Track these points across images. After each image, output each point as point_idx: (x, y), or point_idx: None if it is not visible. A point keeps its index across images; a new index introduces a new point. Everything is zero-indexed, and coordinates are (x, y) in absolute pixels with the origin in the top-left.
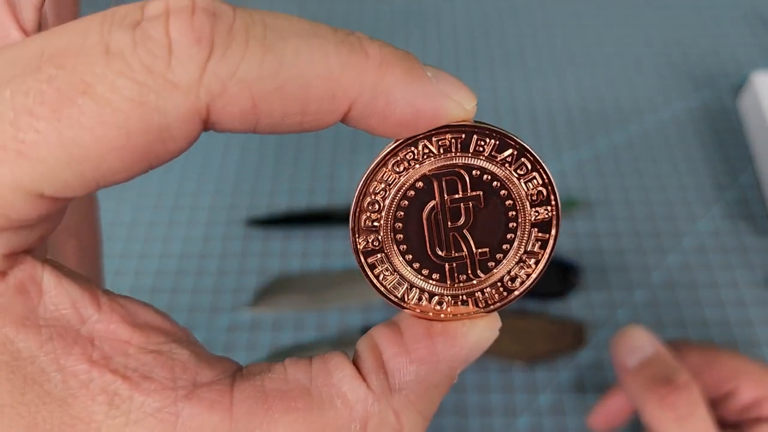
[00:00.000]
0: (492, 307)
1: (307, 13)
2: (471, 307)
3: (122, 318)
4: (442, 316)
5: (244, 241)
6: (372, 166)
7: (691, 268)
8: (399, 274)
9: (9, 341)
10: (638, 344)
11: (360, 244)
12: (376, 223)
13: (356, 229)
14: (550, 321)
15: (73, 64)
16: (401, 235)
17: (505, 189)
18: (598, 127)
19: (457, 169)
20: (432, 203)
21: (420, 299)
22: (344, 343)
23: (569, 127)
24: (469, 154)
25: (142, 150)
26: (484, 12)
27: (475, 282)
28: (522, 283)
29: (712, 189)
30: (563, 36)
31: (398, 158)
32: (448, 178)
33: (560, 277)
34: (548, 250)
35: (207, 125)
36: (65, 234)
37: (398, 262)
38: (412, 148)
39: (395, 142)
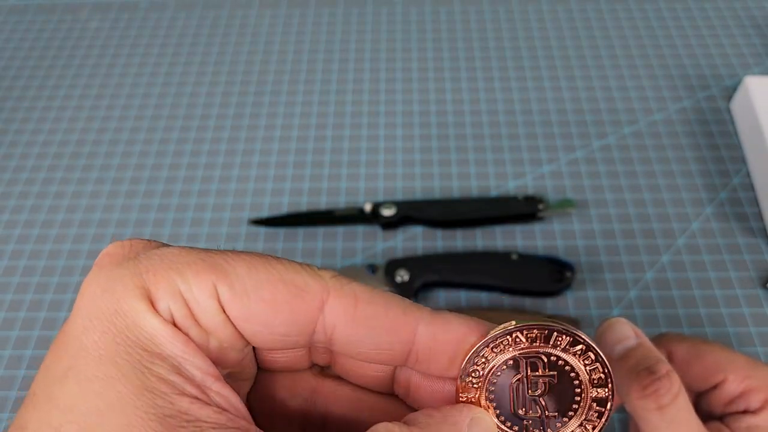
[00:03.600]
0: None
1: (309, 17)
2: None
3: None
4: None
5: (246, 241)
6: (479, 345)
7: (685, 267)
8: None
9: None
10: (622, 335)
11: (462, 398)
12: (476, 386)
13: (460, 387)
14: (546, 318)
15: None
16: (493, 396)
17: (574, 372)
18: (592, 129)
19: (538, 354)
20: (519, 375)
21: None
22: None
23: (564, 129)
24: (549, 345)
25: None
26: (480, 17)
27: None
28: None
29: (705, 190)
30: (558, 39)
31: (497, 342)
32: (532, 359)
33: (555, 276)
34: (603, 419)
35: None
36: None
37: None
38: (508, 336)
39: (496, 332)
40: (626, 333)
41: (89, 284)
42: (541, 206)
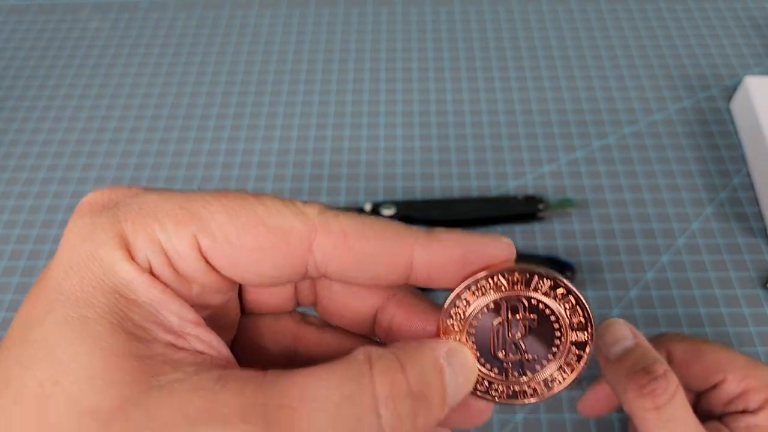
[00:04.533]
0: (534, 398)
1: (309, 17)
2: (520, 396)
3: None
4: (497, 399)
5: None
6: (460, 288)
7: (685, 267)
8: None
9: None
10: (619, 336)
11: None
12: (456, 327)
13: (441, 329)
14: None
15: None
16: (474, 338)
17: (554, 316)
18: (592, 129)
19: (520, 298)
20: (499, 318)
21: (481, 384)
22: None
23: (564, 129)
24: (530, 289)
25: None
26: (480, 17)
27: (524, 379)
28: (560, 384)
29: (705, 190)
30: (558, 39)
31: (478, 285)
32: (513, 303)
33: None
34: (582, 362)
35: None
36: None
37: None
38: (490, 280)
39: (478, 276)
40: (624, 333)
41: (69, 232)
42: (541, 206)
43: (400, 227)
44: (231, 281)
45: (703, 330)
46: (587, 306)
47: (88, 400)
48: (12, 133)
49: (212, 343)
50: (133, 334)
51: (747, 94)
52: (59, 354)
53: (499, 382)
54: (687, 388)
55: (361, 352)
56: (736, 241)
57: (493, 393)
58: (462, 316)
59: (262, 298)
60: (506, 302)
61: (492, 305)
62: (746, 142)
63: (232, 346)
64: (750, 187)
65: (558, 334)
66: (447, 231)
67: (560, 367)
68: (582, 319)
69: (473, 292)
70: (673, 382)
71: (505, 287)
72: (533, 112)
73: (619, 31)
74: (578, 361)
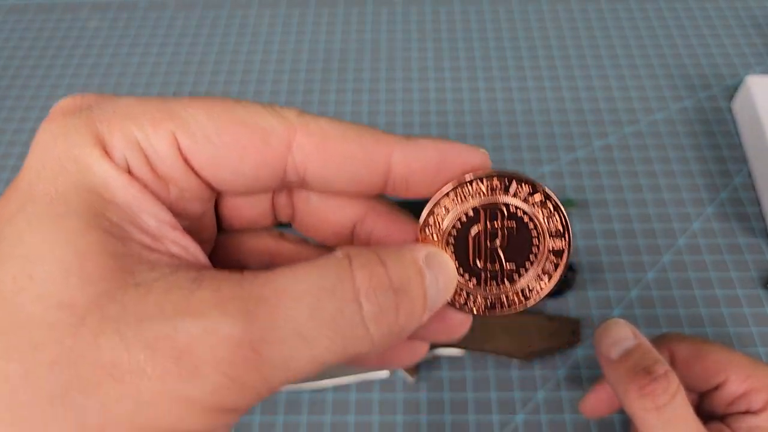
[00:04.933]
0: (512, 309)
1: (310, 17)
2: (498, 307)
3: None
4: (475, 311)
5: None
6: (438, 195)
7: (686, 267)
8: None
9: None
10: (620, 337)
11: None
12: (435, 237)
13: (420, 238)
14: (547, 318)
15: None
16: (452, 248)
17: (533, 223)
18: (592, 129)
19: (498, 204)
20: (477, 227)
21: (458, 295)
22: None
23: (565, 129)
24: (509, 195)
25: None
26: (480, 17)
27: (502, 288)
28: (537, 293)
29: (706, 189)
30: (558, 39)
31: (458, 192)
32: (491, 210)
33: None
34: (560, 269)
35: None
36: None
37: None
38: (468, 186)
39: (456, 182)
40: (624, 334)
41: (41, 134)
42: None
43: (378, 131)
44: (210, 187)
45: (704, 330)
46: (564, 212)
47: (63, 295)
48: (10, 134)
49: (189, 248)
50: (109, 232)
51: (748, 93)
52: (32, 250)
53: (477, 293)
54: (689, 389)
55: (340, 251)
56: (737, 241)
57: (471, 305)
58: (440, 226)
59: (239, 212)
60: (485, 210)
61: (471, 213)
62: (747, 142)
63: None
64: (751, 187)
65: (536, 242)
66: (425, 136)
67: (538, 275)
68: (560, 226)
69: (452, 199)
70: (673, 382)
71: (483, 193)
72: (533, 111)
73: (620, 30)
74: (555, 268)
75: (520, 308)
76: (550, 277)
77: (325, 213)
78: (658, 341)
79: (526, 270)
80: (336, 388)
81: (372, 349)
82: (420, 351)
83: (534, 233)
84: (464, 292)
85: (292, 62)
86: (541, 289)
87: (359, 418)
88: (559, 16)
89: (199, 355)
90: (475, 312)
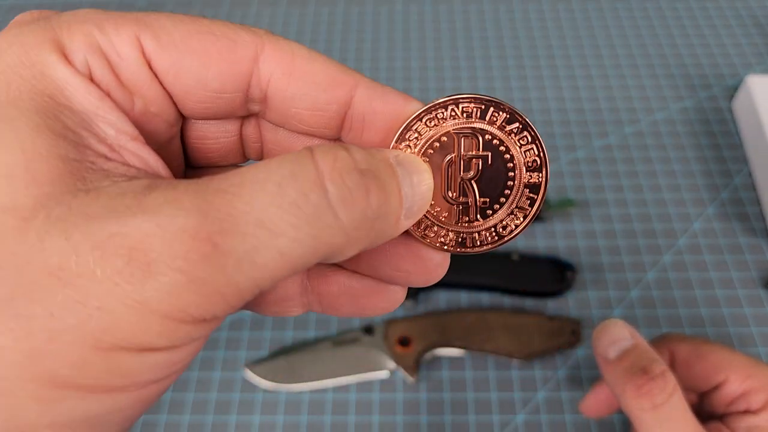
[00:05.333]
0: (483, 247)
1: (308, 16)
2: (469, 243)
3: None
4: (446, 248)
5: None
6: (410, 118)
7: (686, 267)
8: None
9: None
10: (618, 337)
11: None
12: None
13: None
14: (547, 318)
15: None
16: None
17: (509, 154)
18: (593, 129)
19: (473, 132)
20: (451, 156)
21: (430, 230)
22: (345, 341)
23: (565, 129)
24: (485, 122)
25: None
26: (480, 16)
27: (474, 224)
28: (511, 231)
29: (706, 189)
30: (559, 39)
31: (431, 115)
32: (466, 138)
33: (557, 276)
34: (535, 207)
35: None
36: None
37: None
38: (442, 110)
39: (430, 104)
40: (622, 334)
41: None
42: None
43: (347, 66)
44: (174, 103)
45: (705, 330)
46: (542, 144)
47: (6, 198)
48: None
49: (149, 161)
50: (61, 136)
51: (749, 93)
52: None
53: (448, 228)
54: (689, 389)
55: (302, 147)
56: (738, 241)
57: (441, 239)
58: (412, 150)
59: (206, 144)
60: (458, 137)
61: (444, 139)
62: (748, 142)
63: None
64: (751, 186)
65: (511, 175)
66: (393, 88)
67: (512, 212)
68: (537, 159)
69: (425, 123)
70: (670, 381)
71: (459, 118)
72: (534, 111)
73: (621, 30)
74: (531, 205)
75: (492, 247)
76: (525, 215)
77: (293, 147)
78: (659, 341)
79: (500, 205)
80: (336, 388)
81: (347, 241)
82: (397, 296)
83: (510, 165)
84: (435, 226)
85: None
86: (516, 227)
87: (359, 419)
88: (559, 15)
89: (152, 252)
90: (444, 248)
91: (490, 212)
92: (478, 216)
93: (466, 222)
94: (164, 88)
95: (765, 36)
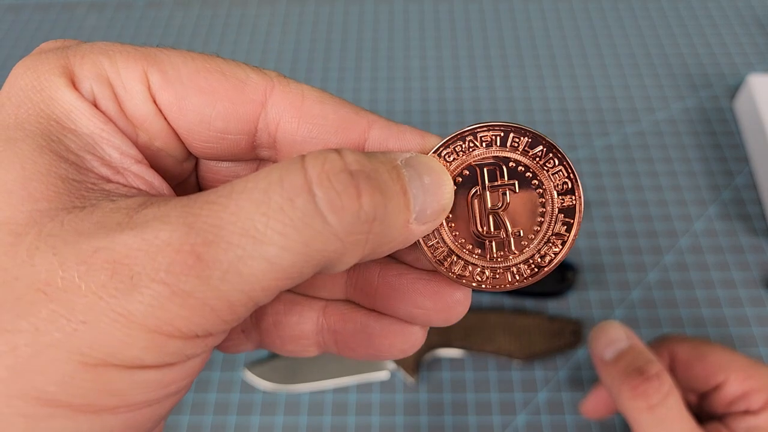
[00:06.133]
0: (524, 281)
1: (308, 15)
2: (508, 279)
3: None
4: (483, 286)
5: None
6: (428, 155)
7: (687, 267)
8: (448, 248)
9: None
10: (614, 338)
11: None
12: None
13: None
14: (548, 319)
15: None
16: (450, 215)
17: (536, 179)
18: (594, 128)
19: (496, 161)
20: (476, 188)
21: (464, 269)
22: None
23: (566, 128)
24: (507, 149)
25: None
26: (481, 16)
27: (510, 257)
28: (550, 260)
29: (708, 189)
30: (560, 38)
31: (449, 149)
32: (489, 167)
33: (558, 277)
34: (573, 232)
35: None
36: None
37: (447, 237)
38: (461, 142)
39: (447, 137)
40: (618, 335)
41: (14, 69)
42: None
43: (357, 106)
44: (178, 138)
45: (706, 331)
46: (571, 165)
47: (2, 213)
48: None
49: (154, 183)
50: (63, 158)
51: (750, 92)
52: None
53: (484, 265)
54: (689, 389)
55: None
56: (739, 241)
57: (477, 277)
58: None
59: (221, 172)
60: (480, 168)
61: (466, 172)
62: (749, 141)
63: None
64: (753, 186)
65: (542, 201)
66: (410, 126)
67: (548, 240)
68: (567, 181)
69: (445, 158)
70: (666, 382)
71: (479, 149)
72: (534, 111)
73: (621, 29)
74: (568, 230)
75: (532, 281)
76: (563, 242)
77: None
78: (659, 342)
79: (535, 235)
80: (336, 390)
81: (342, 247)
82: (416, 337)
83: (539, 191)
84: (469, 265)
85: (291, 60)
86: (554, 255)
87: (359, 419)
88: (560, 14)
89: (135, 266)
90: (483, 287)
91: (525, 243)
92: (513, 248)
93: (501, 257)
94: (170, 125)
95: (766, 35)
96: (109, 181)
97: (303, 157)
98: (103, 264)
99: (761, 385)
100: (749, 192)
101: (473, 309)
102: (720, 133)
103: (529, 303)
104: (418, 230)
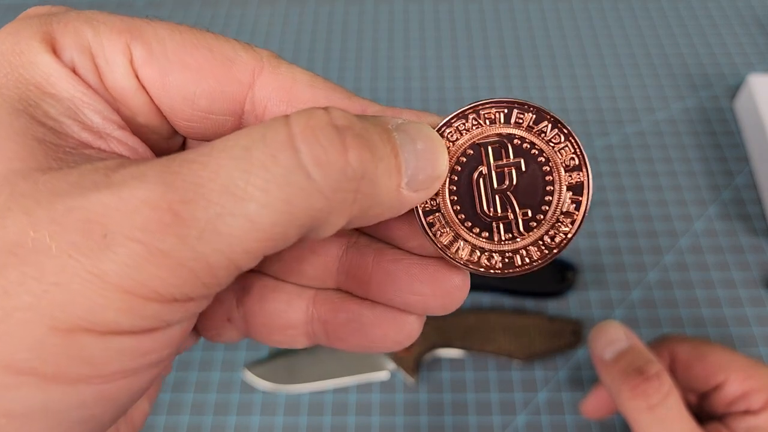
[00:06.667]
0: (534, 264)
1: (308, 14)
2: (517, 262)
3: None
4: (491, 271)
5: None
6: None
7: (688, 267)
8: (454, 232)
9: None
10: (614, 338)
11: (420, 204)
12: None
13: None
14: (548, 319)
15: None
16: (455, 197)
17: (543, 156)
18: (594, 128)
19: (500, 138)
20: (480, 168)
21: (471, 254)
22: None
23: None
24: (511, 125)
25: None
26: (481, 16)
27: (519, 240)
28: (561, 242)
29: (708, 189)
30: (560, 38)
31: (452, 128)
32: (493, 146)
33: (558, 277)
34: (582, 210)
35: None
36: None
37: (453, 220)
38: (462, 120)
39: (449, 115)
40: (617, 335)
41: None
42: None
43: (352, 93)
44: (162, 116)
45: (706, 331)
46: (577, 140)
47: None
48: None
49: (138, 150)
50: (40, 122)
51: (750, 92)
52: None
53: (492, 249)
54: (689, 389)
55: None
56: (739, 241)
57: (486, 262)
58: None
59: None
60: (485, 147)
61: (470, 151)
62: (749, 141)
63: None
64: (753, 186)
65: (549, 179)
66: (408, 109)
67: (558, 220)
68: (574, 157)
69: (447, 137)
70: (665, 382)
71: (482, 126)
72: None
73: (621, 29)
74: (577, 209)
75: (543, 263)
76: (573, 221)
77: None
78: (659, 342)
79: (544, 215)
80: (335, 390)
81: (328, 205)
82: (411, 327)
83: (546, 169)
84: (476, 250)
85: (291, 60)
86: (565, 236)
87: (359, 419)
88: (560, 14)
89: (110, 224)
90: (492, 271)
91: (534, 224)
92: (522, 230)
93: (509, 239)
94: (153, 101)
95: (766, 35)
96: (89, 146)
97: (287, 115)
98: (76, 223)
99: (761, 385)
100: (749, 192)
101: (473, 309)
102: (720, 133)
103: (529, 303)
104: (409, 197)
